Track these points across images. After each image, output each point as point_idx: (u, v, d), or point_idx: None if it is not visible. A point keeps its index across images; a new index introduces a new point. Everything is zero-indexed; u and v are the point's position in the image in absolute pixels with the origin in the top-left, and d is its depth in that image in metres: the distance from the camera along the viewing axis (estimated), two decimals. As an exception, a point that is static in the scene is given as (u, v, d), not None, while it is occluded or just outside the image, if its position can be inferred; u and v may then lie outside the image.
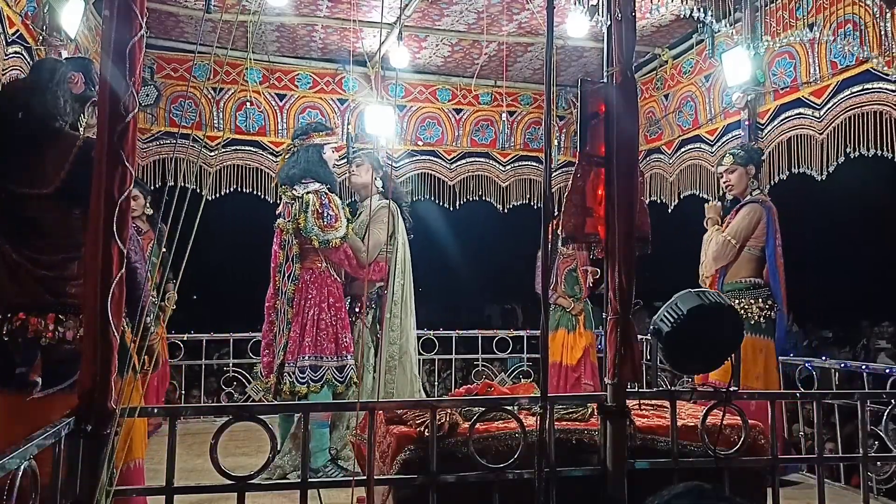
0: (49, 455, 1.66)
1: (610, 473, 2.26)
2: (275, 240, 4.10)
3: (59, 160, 2.22)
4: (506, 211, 6.93)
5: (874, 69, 4.05)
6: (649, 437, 2.56)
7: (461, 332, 6.41)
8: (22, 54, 3.73)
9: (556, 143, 6.82)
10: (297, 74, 6.35)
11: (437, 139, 6.72)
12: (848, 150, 4.26)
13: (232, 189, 6.17)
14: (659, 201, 6.18)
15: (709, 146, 5.56)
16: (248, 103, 6.15)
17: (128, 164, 1.81)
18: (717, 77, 5.39)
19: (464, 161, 6.78)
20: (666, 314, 2.42)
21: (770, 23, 4.68)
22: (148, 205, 4.70)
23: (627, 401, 2.30)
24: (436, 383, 7.41)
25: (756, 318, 4.02)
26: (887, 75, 3.95)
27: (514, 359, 6.67)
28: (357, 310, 4.21)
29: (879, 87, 4.05)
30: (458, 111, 6.77)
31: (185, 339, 5.84)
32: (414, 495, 2.34)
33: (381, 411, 2.60)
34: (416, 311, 4.37)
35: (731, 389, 2.49)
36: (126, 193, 1.81)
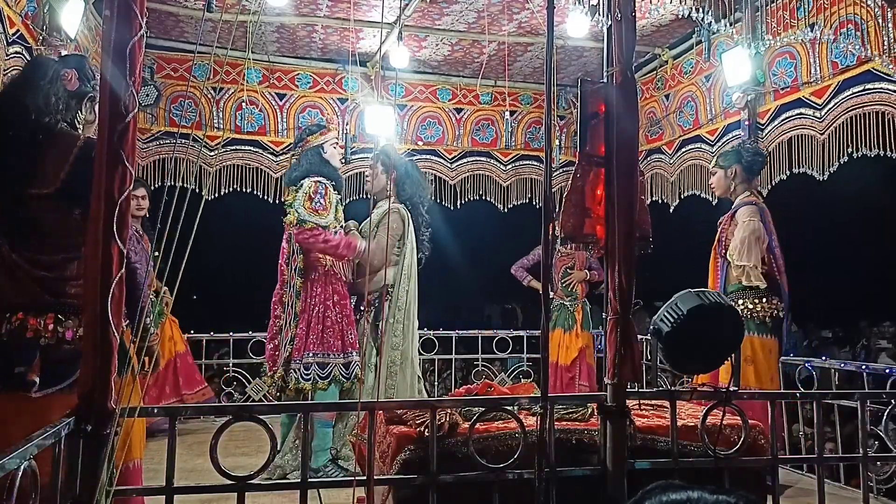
0: (49, 455, 1.66)
1: (610, 473, 2.26)
2: (284, 235, 4.11)
3: (59, 160, 2.22)
4: (506, 210, 6.93)
5: (875, 69, 4.04)
6: (649, 437, 2.56)
7: (461, 332, 6.42)
8: (22, 54, 3.73)
9: (556, 142, 6.82)
10: (297, 74, 6.35)
11: (437, 139, 6.72)
12: (850, 150, 4.25)
13: (232, 189, 6.17)
14: (660, 201, 6.18)
15: (709, 146, 5.56)
16: (247, 103, 6.15)
17: (128, 164, 1.81)
18: (718, 77, 5.39)
19: (464, 160, 6.78)
20: (666, 314, 2.42)
21: (770, 23, 4.68)
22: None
23: (627, 401, 2.30)
24: (436, 383, 7.41)
25: (762, 317, 4.00)
26: (889, 76, 3.94)
27: (514, 359, 6.67)
28: (362, 308, 4.22)
29: (881, 88, 4.04)
30: (458, 111, 6.77)
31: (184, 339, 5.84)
32: (414, 495, 2.34)
33: (381, 411, 2.60)
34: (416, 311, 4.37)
35: (731, 389, 2.49)
36: (126, 193, 1.81)
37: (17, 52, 3.68)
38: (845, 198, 9.22)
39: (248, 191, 6.20)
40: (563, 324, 5.94)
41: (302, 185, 3.95)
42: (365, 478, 2.21)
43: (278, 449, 3.83)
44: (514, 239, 6.45)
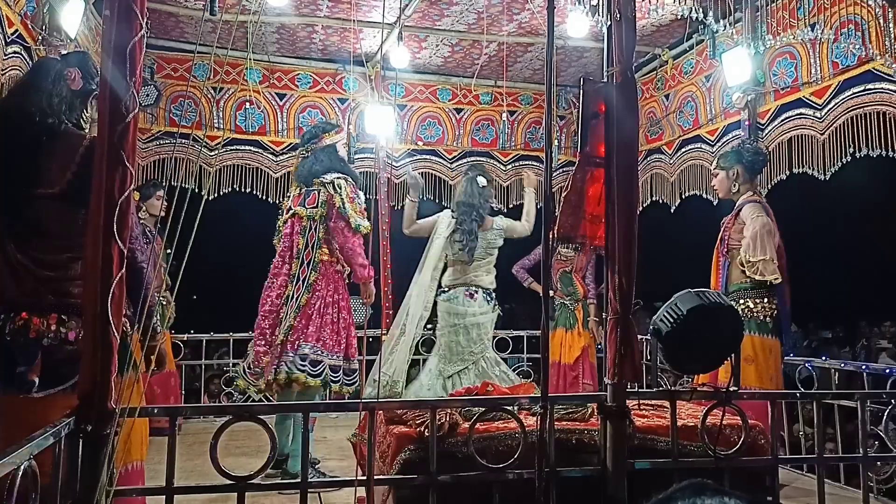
0: (49, 455, 1.66)
1: (610, 473, 2.26)
2: (295, 228, 4.03)
3: (65, 160, 2.21)
4: (506, 210, 6.91)
5: (876, 69, 4.04)
6: (649, 437, 2.56)
7: (461, 331, 6.40)
8: (21, 54, 3.72)
9: (556, 143, 6.82)
10: (298, 74, 6.35)
11: (437, 139, 6.73)
12: (850, 150, 4.25)
13: (232, 189, 6.17)
14: (661, 201, 6.18)
15: (709, 146, 5.56)
16: (247, 103, 6.15)
17: (128, 164, 1.81)
18: (718, 77, 5.39)
19: (465, 160, 6.76)
20: (666, 314, 2.42)
21: (771, 23, 4.68)
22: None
23: (627, 401, 2.30)
24: (436, 383, 7.40)
25: (762, 317, 4.00)
26: (890, 76, 3.94)
27: (514, 359, 6.67)
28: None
29: (881, 88, 4.04)
30: (458, 111, 6.77)
31: (185, 339, 5.84)
32: (414, 495, 2.34)
33: (381, 411, 2.60)
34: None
35: (731, 389, 2.49)
36: (126, 193, 1.81)
37: (15, 52, 3.68)
38: (845, 198, 9.22)
39: (248, 191, 6.20)
40: (564, 323, 5.94)
41: (339, 185, 3.90)
42: (365, 478, 2.21)
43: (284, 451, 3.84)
44: (514, 239, 6.46)
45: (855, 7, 4.10)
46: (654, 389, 2.76)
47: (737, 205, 4.18)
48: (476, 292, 4.62)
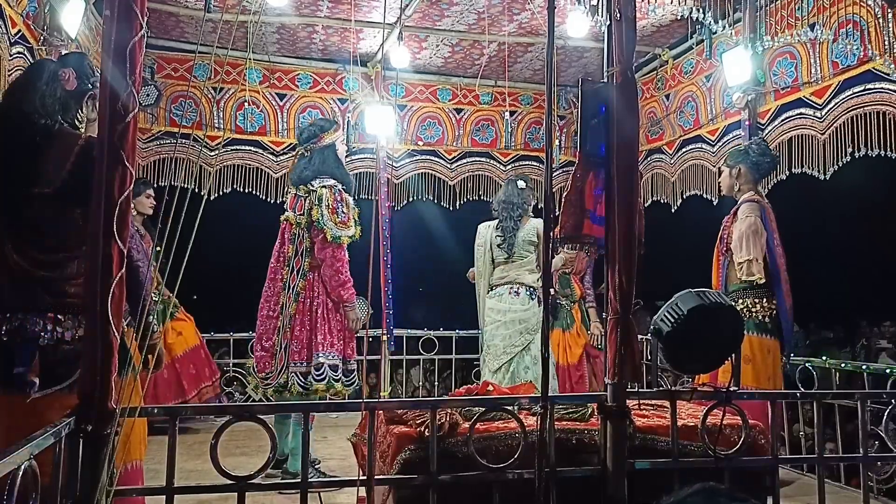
0: (49, 455, 1.66)
1: (610, 473, 2.26)
2: (286, 235, 4.02)
3: (60, 160, 2.21)
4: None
5: (876, 69, 4.04)
6: (649, 437, 2.56)
7: (461, 332, 6.41)
8: (24, 54, 3.73)
9: (556, 143, 6.82)
10: (298, 74, 6.35)
11: (437, 139, 6.72)
12: (850, 150, 4.25)
13: (232, 189, 6.17)
14: (661, 201, 6.18)
15: (710, 146, 5.56)
16: (248, 103, 6.16)
17: (128, 164, 1.81)
18: (718, 77, 5.39)
19: (464, 161, 6.78)
20: (666, 314, 2.42)
21: (771, 23, 4.68)
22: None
23: (627, 401, 2.30)
24: (436, 383, 7.41)
25: (760, 317, 4.00)
26: (890, 76, 3.94)
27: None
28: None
29: (881, 88, 4.04)
30: (458, 111, 6.77)
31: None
32: (414, 495, 2.34)
33: (381, 411, 2.60)
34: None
35: (731, 389, 2.49)
36: (126, 193, 1.81)
37: (19, 53, 3.69)
38: (845, 198, 9.21)
39: (249, 191, 6.21)
40: (561, 323, 5.92)
41: (320, 196, 3.87)
42: (365, 478, 2.21)
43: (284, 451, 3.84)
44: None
45: (855, 7, 4.10)
46: (655, 389, 2.76)
47: (737, 204, 4.20)
48: (520, 289, 4.85)
